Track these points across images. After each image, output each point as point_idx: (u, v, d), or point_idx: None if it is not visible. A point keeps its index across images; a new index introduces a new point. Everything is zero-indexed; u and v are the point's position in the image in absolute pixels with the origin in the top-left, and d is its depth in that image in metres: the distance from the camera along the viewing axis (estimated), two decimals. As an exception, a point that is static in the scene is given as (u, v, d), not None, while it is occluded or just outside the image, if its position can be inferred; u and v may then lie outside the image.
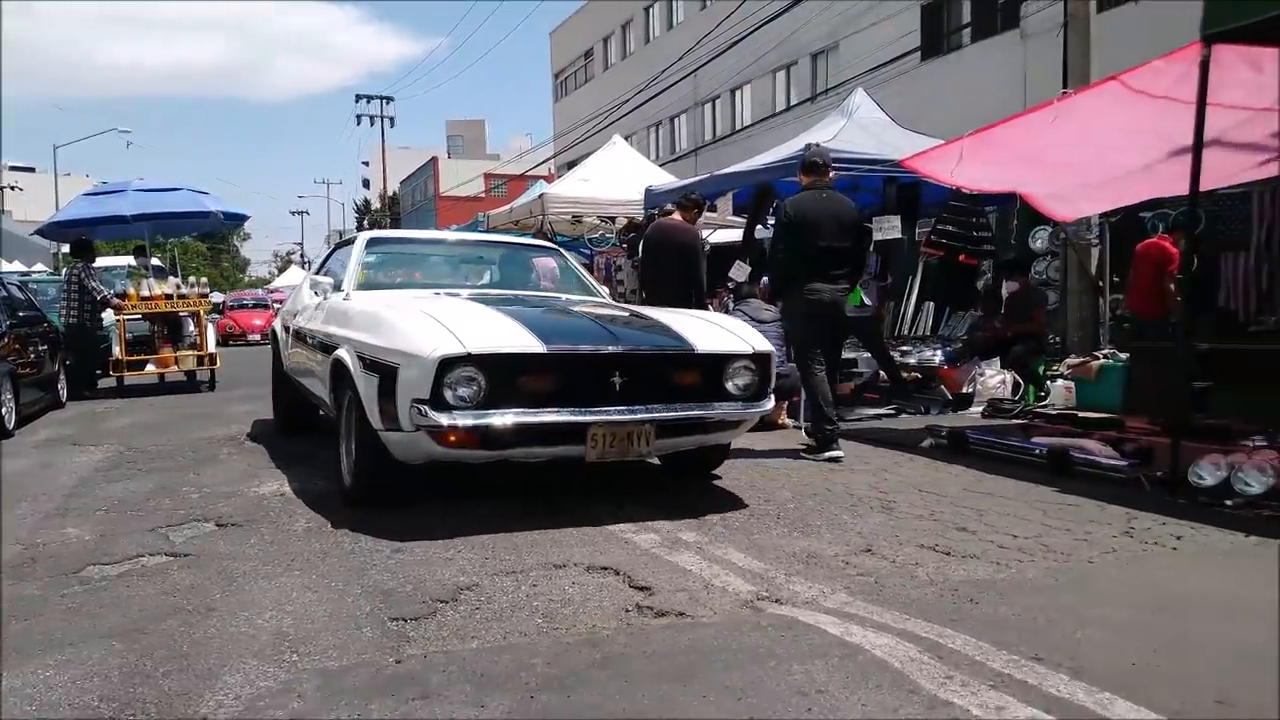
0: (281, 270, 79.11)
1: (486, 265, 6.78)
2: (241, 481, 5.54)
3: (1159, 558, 3.78)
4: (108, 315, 11.37)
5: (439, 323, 4.19)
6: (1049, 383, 8.23)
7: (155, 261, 13.10)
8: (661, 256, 7.61)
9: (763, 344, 4.74)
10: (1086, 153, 6.76)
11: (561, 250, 6.96)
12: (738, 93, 29.06)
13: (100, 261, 13.95)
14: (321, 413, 6.29)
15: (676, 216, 7.83)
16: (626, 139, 18.58)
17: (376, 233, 6.52)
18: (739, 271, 8.87)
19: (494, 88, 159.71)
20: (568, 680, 2.51)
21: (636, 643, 2.79)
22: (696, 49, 21.00)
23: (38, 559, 3.91)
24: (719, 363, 4.58)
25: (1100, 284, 9.93)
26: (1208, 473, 4.87)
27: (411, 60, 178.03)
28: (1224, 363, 6.59)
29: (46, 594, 3.43)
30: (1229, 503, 4.63)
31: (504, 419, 4.02)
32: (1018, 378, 8.42)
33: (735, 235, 11.92)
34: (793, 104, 25.64)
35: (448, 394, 3.97)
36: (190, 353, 11.61)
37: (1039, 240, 10.87)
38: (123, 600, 3.33)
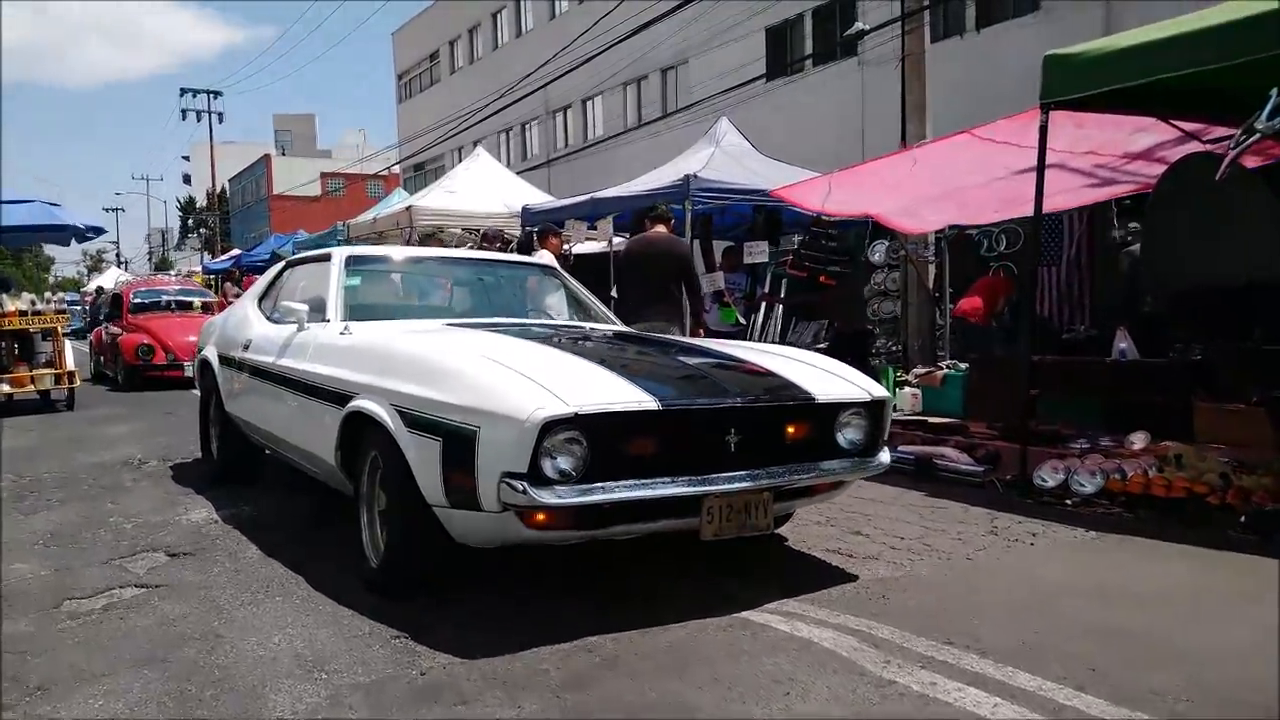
0: (92, 270, 74.67)
1: (487, 290, 5.84)
2: (167, 510, 5.65)
3: (1022, 552, 4.55)
4: (-47, 333, 10.92)
5: (521, 374, 3.48)
6: (898, 390, 9.13)
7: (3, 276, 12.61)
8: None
9: (878, 390, 4.18)
10: (937, 181, 7.84)
11: (555, 268, 6.37)
12: (589, 104, 29.59)
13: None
14: (269, 452, 5.89)
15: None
16: (475, 144, 18.85)
17: (354, 250, 5.62)
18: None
19: (323, 81, 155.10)
20: (584, 680, 2.98)
21: (622, 646, 3.27)
22: (550, 60, 21.42)
23: (5, 596, 4.02)
24: (833, 412, 4.00)
25: (937, 295, 11.00)
26: (1049, 476, 5.72)
27: (234, 50, 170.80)
28: (1042, 370, 7.56)
29: (41, 630, 3.59)
30: (1069, 502, 5.48)
31: (616, 494, 3.38)
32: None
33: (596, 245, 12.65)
34: (645, 120, 26.34)
35: (546, 465, 3.29)
36: (48, 371, 11.30)
37: (877, 253, 11.86)
38: (126, 632, 3.54)
